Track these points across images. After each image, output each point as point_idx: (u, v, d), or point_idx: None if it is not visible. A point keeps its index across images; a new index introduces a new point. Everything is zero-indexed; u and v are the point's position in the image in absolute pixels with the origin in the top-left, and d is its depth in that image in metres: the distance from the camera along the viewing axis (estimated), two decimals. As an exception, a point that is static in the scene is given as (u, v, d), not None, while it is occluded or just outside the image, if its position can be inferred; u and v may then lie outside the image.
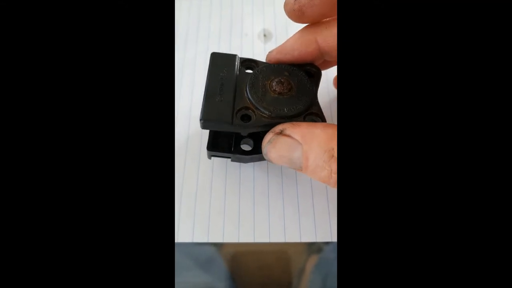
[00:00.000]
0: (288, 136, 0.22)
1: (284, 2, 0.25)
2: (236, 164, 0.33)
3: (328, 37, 0.25)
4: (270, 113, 0.25)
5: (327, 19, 0.26)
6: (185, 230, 0.30)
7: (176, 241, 0.30)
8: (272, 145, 0.23)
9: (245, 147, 0.30)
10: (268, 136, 0.24)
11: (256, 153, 0.29)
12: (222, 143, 0.30)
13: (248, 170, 0.33)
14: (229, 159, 0.31)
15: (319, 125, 0.22)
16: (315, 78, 0.28)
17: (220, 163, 0.33)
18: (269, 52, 0.28)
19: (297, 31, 0.27)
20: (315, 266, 0.28)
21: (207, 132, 0.34)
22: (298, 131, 0.22)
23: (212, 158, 0.31)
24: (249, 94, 0.25)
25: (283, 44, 0.28)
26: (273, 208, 0.31)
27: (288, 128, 0.23)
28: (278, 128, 0.23)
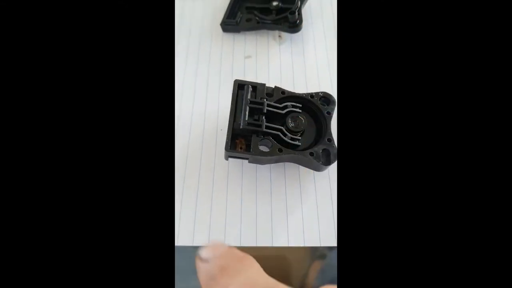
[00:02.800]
0: None
1: None
2: (253, 166, 0.32)
3: None
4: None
5: None
6: (201, 233, 0.29)
7: (192, 244, 0.29)
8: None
9: (264, 148, 0.29)
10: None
11: (275, 154, 0.28)
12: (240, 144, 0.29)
13: (264, 172, 0.32)
14: (246, 160, 0.30)
15: None
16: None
17: (236, 164, 0.32)
18: None
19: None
20: (320, 272, 0.28)
21: (222, 133, 0.34)
22: None
23: (229, 159, 0.31)
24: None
25: None
26: (291, 213, 0.30)
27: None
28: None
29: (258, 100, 0.30)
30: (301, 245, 0.29)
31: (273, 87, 0.31)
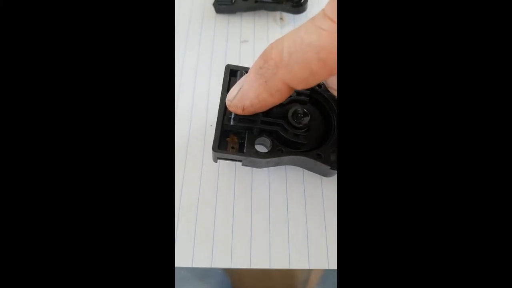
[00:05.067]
0: None
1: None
2: (248, 169, 0.27)
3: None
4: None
5: None
6: (184, 253, 0.24)
7: (176, 265, 0.24)
8: None
9: (260, 148, 0.24)
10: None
11: (274, 155, 0.23)
12: (231, 143, 0.24)
13: (261, 176, 0.27)
14: (239, 163, 0.25)
15: None
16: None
17: (228, 167, 0.27)
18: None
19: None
20: (321, 278, 0.25)
21: (211, 130, 0.29)
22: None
23: (219, 161, 0.25)
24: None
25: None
26: (293, 227, 0.25)
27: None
28: None
29: None
30: (305, 267, 0.24)
31: None
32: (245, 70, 0.25)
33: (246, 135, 0.23)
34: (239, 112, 0.22)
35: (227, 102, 0.22)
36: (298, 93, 0.25)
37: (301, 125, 0.24)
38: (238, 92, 0.21)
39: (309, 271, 0.24)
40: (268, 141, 0.24)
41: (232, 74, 0.25)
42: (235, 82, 0.25)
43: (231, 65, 0.25)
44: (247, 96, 0.21)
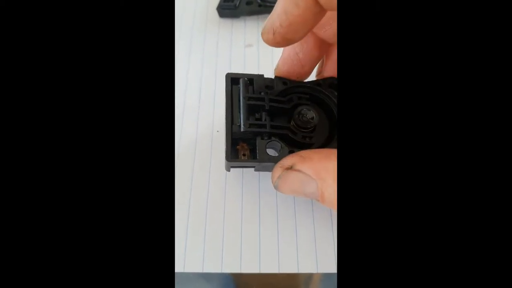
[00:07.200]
0: (299, 171, 0.21)
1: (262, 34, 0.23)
2: (255, 174, 0.27)
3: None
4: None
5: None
6: (195, 258, 0.24)
7: (183, 270, 0.24)
8: (283, 180, 0.22)
9: (271, 153, 0.24)
10: (277, 172, 0.22)
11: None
12: (243, 150, 0.24)
13: (268, 181, 0.27)
14: (249, 168, 0.25)
15: (332, 157, 0.20)
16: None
17: (235, 173, 0.27)
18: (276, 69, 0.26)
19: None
20: (324, 275, 0.25)
21: (218, 136, 0.29)
22: (309, 166, 0.21)
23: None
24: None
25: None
26: (301, 231, 0.25)
27: (298, 163, 0.21)
28: (287, 162, 0.21)
29: (257, 95, 0.24)
30: (314, 271, 0.24)
31: (273, 77, 0.26)
32: (247, 77, 0.25)
33: (257, 141, 0.24)
34: (271, 38, 0.22)
35: (261, 33, 0.22)
36: (299, 97, 0.25)
37: (308, 125, 0.24)
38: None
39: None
40: (278, 145, 0.24)
41: (234, 82, 0.25)
42: (237, 89, 0.25)
43: (232, 73, 0.25)
44: (276, 14, 0.21)
